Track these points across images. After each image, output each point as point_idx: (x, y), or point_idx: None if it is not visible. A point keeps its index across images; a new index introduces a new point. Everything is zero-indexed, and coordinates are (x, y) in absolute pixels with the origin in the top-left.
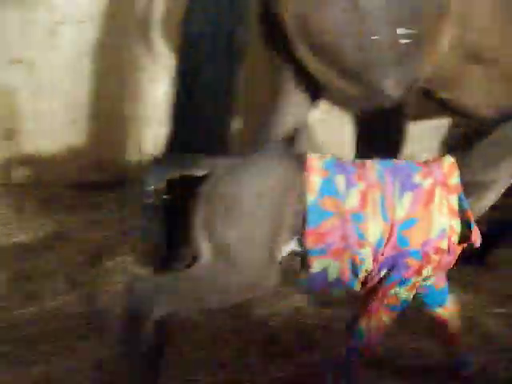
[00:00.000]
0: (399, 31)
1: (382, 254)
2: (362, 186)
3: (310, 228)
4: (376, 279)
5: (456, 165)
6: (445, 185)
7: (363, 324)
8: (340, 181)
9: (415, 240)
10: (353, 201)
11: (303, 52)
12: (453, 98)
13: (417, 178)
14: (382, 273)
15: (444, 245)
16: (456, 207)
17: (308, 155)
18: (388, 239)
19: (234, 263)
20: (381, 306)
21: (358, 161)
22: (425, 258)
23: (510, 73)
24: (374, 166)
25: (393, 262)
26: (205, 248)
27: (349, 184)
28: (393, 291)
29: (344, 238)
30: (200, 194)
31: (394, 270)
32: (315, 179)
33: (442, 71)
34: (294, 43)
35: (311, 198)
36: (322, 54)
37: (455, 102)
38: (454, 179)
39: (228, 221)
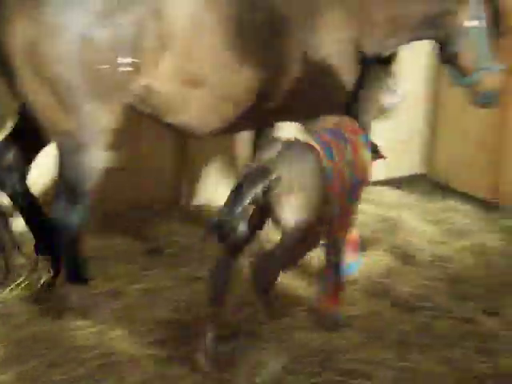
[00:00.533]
0: (120, 60)
1: (349, 185)
2: (334, 146)
3: (330, 183)
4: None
5: (351, 119)
6: (354, 131)
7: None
8: (327, 150)
9: (359, 173)
10: (337, 158)
11: (29, 83)
12: (178, 122)
13: (346, 134)
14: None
15: (369, 168)
16: (364, 142)
17: (303, 138)
18: (350, 176)
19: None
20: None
21: (314, 132)
22: (364, 181)
23: (223, 94)
24: (325, 132)
25: (352, 190)
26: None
27: (330, 149)
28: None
29: (342, 181)
30: (278, 190)
31: (354, 196)
32: (320, 152)
33: (165, 97)
34: (21, 74)
35: (325, 164)
36: (48, 85)
37: (181, 125)
38: (356, 126)
39: (304, 199)
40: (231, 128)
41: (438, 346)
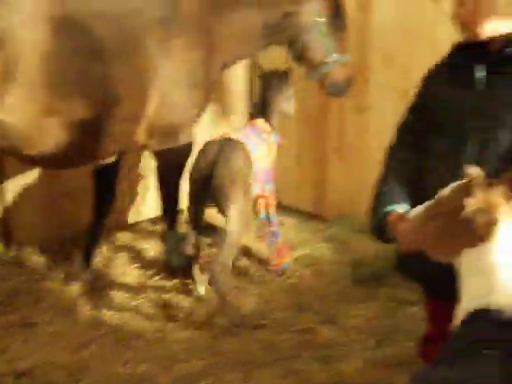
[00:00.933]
0: None
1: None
2: (256, 142)
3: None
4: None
5: (264, 121)
6: (266, 131)
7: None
8: (252, 145)
9: (271, 163)
10: (257, 154)
11: None
12: (37, 154)
13: (263, 135)
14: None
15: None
16: (273, 139)
17: (231, 136)
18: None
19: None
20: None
21: (238, 133)
22: (273, 170)
23: (75, 122)
24: (247, 131)
25: (268, 176)
26: (232, 209)
27: (254, 147)
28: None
29: (260, 173)
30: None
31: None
32: (248, 147)
33: (19, 129)
34: None
35: (253, 156)
36: None
37: (41, 157)
38: (268, 128)
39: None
40: (91, 157)
41: (280, 361)
